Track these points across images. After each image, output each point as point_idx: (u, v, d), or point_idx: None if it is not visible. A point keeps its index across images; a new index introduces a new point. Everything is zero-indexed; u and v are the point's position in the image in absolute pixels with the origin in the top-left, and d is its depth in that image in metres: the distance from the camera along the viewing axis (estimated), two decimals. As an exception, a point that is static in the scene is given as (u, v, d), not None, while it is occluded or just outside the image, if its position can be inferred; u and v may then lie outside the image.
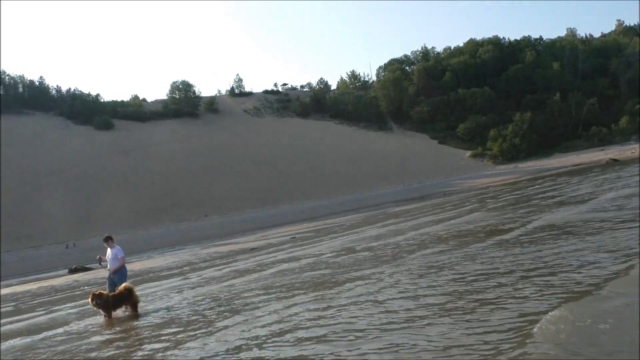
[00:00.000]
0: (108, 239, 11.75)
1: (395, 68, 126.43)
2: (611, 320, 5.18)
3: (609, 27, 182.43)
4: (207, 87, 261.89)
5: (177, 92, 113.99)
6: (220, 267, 16.31)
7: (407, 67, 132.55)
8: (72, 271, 25.42)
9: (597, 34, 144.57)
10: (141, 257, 28.77)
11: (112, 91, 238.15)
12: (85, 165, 77.79)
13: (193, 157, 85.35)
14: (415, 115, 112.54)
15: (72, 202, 65.39)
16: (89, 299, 10.25)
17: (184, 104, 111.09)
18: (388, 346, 5.53)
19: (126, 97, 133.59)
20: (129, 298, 10.48)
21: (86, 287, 16.68)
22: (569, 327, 5.19)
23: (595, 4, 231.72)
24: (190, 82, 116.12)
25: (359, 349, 5.61)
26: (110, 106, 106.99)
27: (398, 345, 5.52)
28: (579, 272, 7.50)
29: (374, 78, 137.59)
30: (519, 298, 6.65)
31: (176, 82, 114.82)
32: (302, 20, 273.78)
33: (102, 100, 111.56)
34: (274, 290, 10.26)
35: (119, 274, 11.63)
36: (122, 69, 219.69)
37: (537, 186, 32.84)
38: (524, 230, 12.52)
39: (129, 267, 22.98)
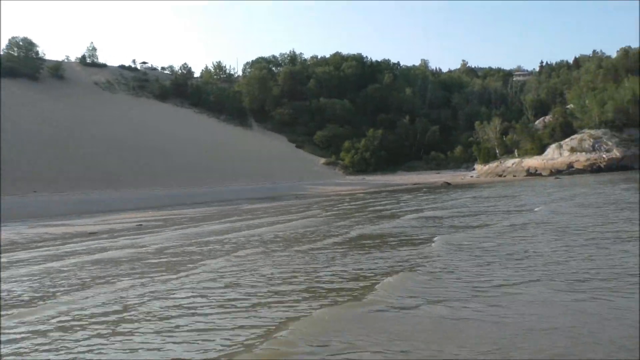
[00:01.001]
0: None
1: (262, 67, 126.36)
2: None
3: (456, 64, 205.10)
4: (55, 50, 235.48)
5: (15, 48, 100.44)
6: (52, 250, 14.27)
7: (274, 68, 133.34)
8: None
9: (445, 69, 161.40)
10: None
11: None
12: None
13: (27, 124, 75.52)
14: (276, 116, 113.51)
15: None
16: None
17: (22, 63, 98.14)
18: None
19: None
20: None
21: None
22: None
23: (444, 43, 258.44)
24: (34, 41, 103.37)
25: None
26: None
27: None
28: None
29: (240, 73, 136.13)
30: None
31: (16, 37, 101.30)
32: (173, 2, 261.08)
33: None
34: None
35: None
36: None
37: (374, 200, 34.94)
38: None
39: None
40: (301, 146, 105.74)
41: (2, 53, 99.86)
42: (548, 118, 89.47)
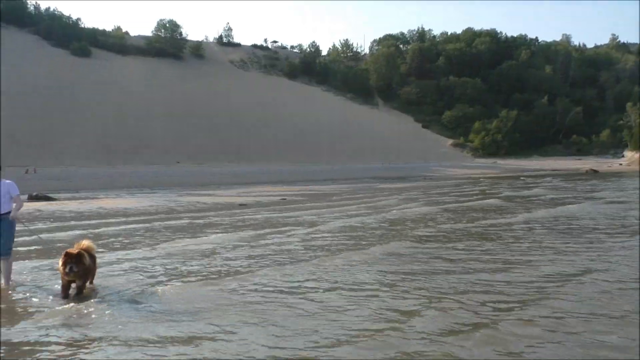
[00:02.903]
0: None
1: (390, 44, 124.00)
2: None
3: (603, 39, 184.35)
4: (195, 31, 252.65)
5: (162, 30, 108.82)
6: (233, 219, 14.66)
7: (401, 45, 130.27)
8: (33, 198, 23.23)
9: (590, 45, 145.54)
10: (108, 195, 26.75)
11: (94, 18, 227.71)
12: (56, 90, 73.43)
13: (172, 100, 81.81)
14: (403, 95, 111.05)
15: (37, 126, 61.77)
16: (61, 262, 6.40)
17: (168, 44, 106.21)
18: None
19: (108, 27, 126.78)
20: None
21: (51, 221, 14.76)
22: None
23: (593, 15, 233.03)
24: (178, 23, 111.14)
25: None
26: (90, 33, 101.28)
27: None
28: None
29: (367, 51, 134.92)
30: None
31: (163, 20, 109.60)
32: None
33: (82, 26, 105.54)
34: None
35: (9, 225, 7.16)
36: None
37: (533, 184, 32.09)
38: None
39: (93, 202, 21.11)
40: (427, 126, 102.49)
41: (151, 34, 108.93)
42: None
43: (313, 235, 11.26)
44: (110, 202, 19.64)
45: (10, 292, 6.81)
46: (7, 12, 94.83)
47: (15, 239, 7.40)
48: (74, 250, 6.46)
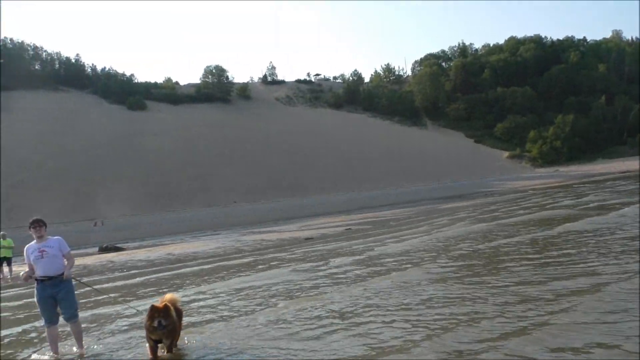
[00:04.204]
0: (38, 225, 6.48)
1: (432, 63, 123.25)
2: None
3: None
4: (240, 73, 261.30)
5: (210, 76, 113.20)
6: (293, 254, 14.61)
7: (443, 63, 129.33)
8: (103, 250, 24.13)
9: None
10: (174, 240, 27.40)
11: (146, 72, 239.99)
12: (116, 144, 77.33)
13: (225, 142, 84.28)
14: (451, 112, 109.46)
15: (100, 179, 64.92)
16: (147, 318, 5.70)
17: (216, 89, 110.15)
18: None
19: (159, 79, 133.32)
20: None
21: (124, 272, 15.17)
22: None
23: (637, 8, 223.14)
24: (224, 67, 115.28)
25: None
26: (144, 87, 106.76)
27: None
28: None
29: (409, 72, 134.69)
30: None
31: (210, 66, 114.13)
32: (334, 10, 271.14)
33: (135, 81, 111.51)
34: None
35: (67, 286, 6.46)
36: (156, 51, 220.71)
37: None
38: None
39: (161, 249, 21.64)
40: (480, 141, 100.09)
41: (199, 81, 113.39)
42: None
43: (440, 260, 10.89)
44: (178, 247, 20.05)
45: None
46: (68, 75, 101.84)
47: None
48: (160, 304, 5.85)
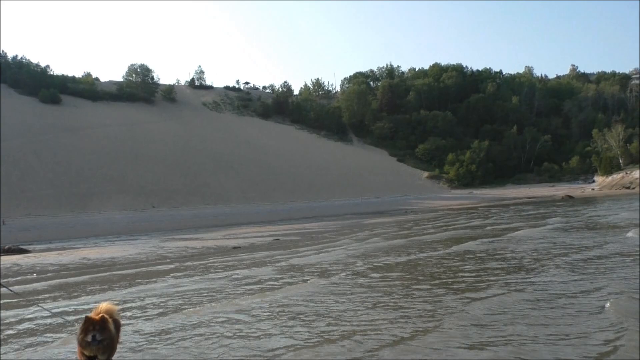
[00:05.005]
0: None
1: (361, 81, 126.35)
2: None
3: (563, 70, 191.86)
4: (167, 75, 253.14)
5: (134, 75, 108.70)
6: (232, 263, 13.88)
7: (371, 82, 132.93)
8: (5, 251, 21.95)
9: (551, 75, 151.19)
10: (86, 244, 25.55)
11: (63, 65, 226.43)
12: (24, 138, 71.67)
13: (145, 144, 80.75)
14: (376, 131, 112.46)
15: (5, 175, 59.76)
16: (80, 331, 4.67)
17: (140, 88, 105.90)
18: None
19: (78, 74, 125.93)
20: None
21: (34, 275, 13.75)
22: None
23: (553, 47, 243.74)
24: (149, 67, 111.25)
25: None
26: (60, 80, 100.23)
27: None
28: None
29: (338, 88, 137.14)
30: None
31: (134, 64, 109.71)
32: (270, 19, 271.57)
33: (51, 73, 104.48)
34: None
35: None
36: (77, 43, 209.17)
37: (524, 212, 32.14)
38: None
39: (73, 253, 20.02)
40: (402, 160, 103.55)
41: (122, 79, 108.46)
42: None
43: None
44: (93, 252, 18.60)
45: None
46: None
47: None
48: (95, 315, 4.85)
